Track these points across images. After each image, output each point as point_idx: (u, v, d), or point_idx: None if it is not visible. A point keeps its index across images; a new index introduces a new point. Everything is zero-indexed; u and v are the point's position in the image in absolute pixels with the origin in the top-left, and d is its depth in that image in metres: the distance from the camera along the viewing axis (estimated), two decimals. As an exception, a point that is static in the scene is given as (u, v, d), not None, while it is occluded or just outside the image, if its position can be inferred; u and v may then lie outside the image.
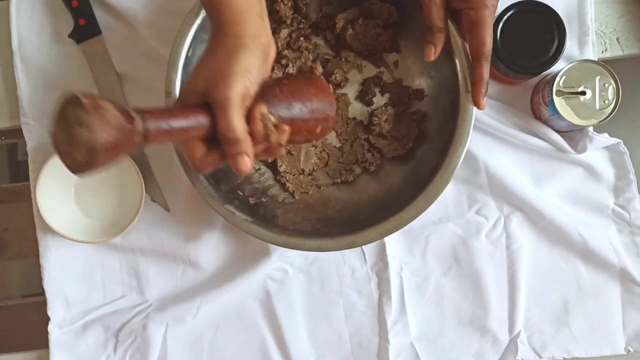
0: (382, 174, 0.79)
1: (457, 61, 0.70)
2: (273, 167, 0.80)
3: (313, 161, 0.79)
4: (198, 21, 0.71)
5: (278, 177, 0.79)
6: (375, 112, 0.78)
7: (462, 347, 0.80)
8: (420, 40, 0.76)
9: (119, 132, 0.49)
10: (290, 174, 0.79)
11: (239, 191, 0.75)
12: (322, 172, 0.80)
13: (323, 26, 0.79)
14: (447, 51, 0.71)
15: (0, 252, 0.83)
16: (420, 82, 0.79)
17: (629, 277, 0.79)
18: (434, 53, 0.69)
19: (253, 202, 0.75)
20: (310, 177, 0.79)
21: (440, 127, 0.74)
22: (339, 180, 0.79)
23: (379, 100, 0.80)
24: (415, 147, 0.78)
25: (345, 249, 0.71)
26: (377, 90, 0.79)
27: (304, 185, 0.79)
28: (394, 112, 0.78)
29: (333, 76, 0.77)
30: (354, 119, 0.80)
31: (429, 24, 0.69)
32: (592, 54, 0.79)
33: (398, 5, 0.76)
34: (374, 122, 0.77)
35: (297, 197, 0.79)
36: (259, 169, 0.80)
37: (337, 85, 0.78)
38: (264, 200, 0.77)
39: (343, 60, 0.78)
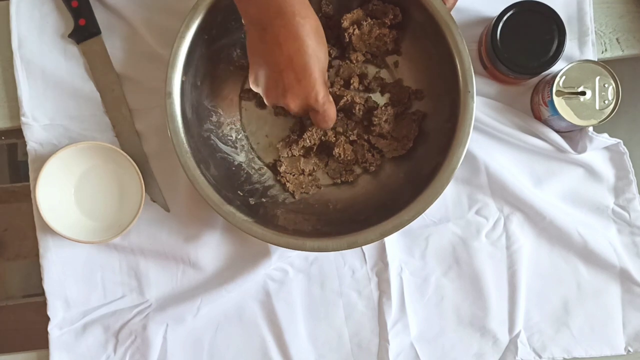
0: (383, 174, 0.79)
1: (457, 61, 0.70)
2: (273, 167, 0.80)
3: (313, 161, 0.79)
4: (198, 22, 0.71)
5: (278, 178, 0.79)
6: (376, 112, 0.78)
7: (462, 347, 0.80)
8: (420, 41, 0.76)
9: None
10: (291, 174, 0.79)
11: (239, 192, 0.75)
12: (322, 173, 0.80)
13: (323, 25, 0.79)
14: (447, 51, 0.71)
15: (0, 252, 0.83)
16: (420, 82, 0.79)
17: (629, 278, 0.79)
18: None
19: (253, 202, 0.75)
20: (310, 177, 0.79)
21: (440, 126, 0.74)
22: (339, 181, 0.79)
23: (379, 100, 0.80)
24: (415, 147, 0.78)
25: (345, 249, 0.71)
26: (377, 90, 0.79)
27: (304, 186, 0.79)
28: (394, 112, 0.78)
29: (352, 85, 0.77)
30: None
31: None
32: (592, 54, 0.79)
33: (399, 6, 0.76)
34: (374, 123, 0.77)
35: (297, 197, 0.79)
36: (260, 168, 0.80)
37: (357, 90, 0.78)
38: (264, 200, 0.77)
39: (354, 62, 0.78)
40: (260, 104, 0.80)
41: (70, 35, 0.80)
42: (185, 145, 0.71)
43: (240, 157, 0.79)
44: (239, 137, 0.80)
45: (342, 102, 0.76)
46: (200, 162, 0.72)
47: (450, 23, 0.70)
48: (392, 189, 0.77)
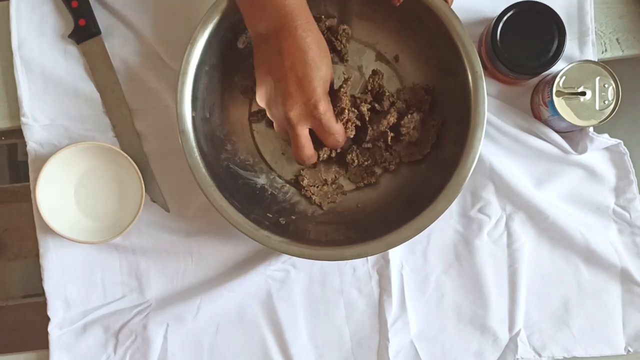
0: (403, 170, 0.79)
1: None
2: (295, 183, 0.79)
3: (334, 169, 0.79)
4: (198, 56, 0.71)
5: (303, 192, 0.79)
6: (403, 122, 0.76)
7: (462, 345, 0.80)
8: (422, 36, 0.76)
9: None
10: (314, 186, 0.78)
11: (268, 214, 0.75)
12: (344, 179, 0.80)
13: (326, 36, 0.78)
14: (447, 35, 0.70)
15: (0, 252, 0.83)
16: (427, 78, 0.78)
17: (629, 278, 0.79)
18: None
19: (284, 222, 0.75)
20: (334, 185, 0.79)
21: (457, 113, 0.73)
22: (362, 184, 0.79)
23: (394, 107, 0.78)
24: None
25: (385, 250, 0.71)
26: (403, 105, 0.78)
27: (329, 195, 0.78)
28: (420, 117, 0.76)
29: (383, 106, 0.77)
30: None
31: None
32: (592, 54, 0.79)
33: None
34: (403, 132, 0.76)
35: (325, 208, 0.78)
36: (282, 187, 0.79)
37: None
38: (294, 217, 0.76)
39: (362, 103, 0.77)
40: (271, 123, 0.80)
41: (70, 36, 0.80)
42: (209, 178, 0.71)
43: (262, 180, 0.79)
44: (256, 160, 0.80)
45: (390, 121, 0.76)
46: (223, 190, 0.71)
47: (450, 15, 0.70)
48: (416, 182, 0.77)
